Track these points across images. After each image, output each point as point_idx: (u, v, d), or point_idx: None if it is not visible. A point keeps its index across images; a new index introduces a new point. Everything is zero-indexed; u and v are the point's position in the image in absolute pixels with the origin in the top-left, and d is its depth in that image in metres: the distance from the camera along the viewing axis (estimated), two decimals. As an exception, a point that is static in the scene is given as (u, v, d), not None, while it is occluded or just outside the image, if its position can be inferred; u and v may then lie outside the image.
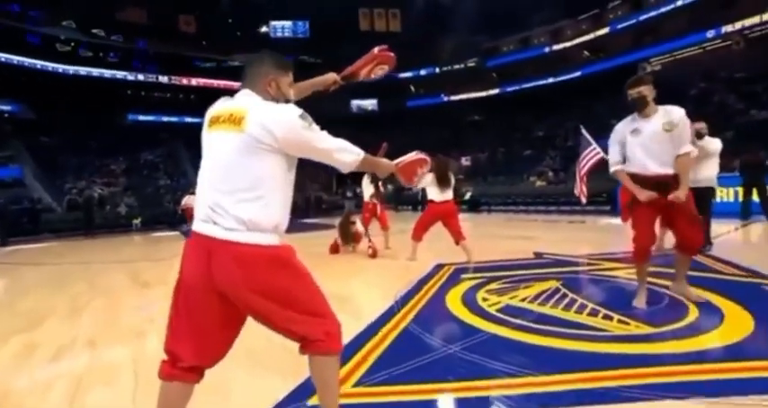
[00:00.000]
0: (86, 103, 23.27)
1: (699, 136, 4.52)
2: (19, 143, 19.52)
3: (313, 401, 1.65)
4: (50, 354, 2.41)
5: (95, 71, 24.62)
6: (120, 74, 25.38)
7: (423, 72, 29.21)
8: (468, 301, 2.96)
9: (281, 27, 30.31)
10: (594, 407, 1.53)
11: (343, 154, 1.34)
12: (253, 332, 1.41)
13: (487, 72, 26.87)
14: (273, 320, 1.24)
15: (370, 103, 30.54)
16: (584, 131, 7.72)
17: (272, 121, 1.21)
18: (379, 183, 5.87)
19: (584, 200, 7.77)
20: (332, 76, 1.91)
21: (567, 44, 23.18)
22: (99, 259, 7.18)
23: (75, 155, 20.73)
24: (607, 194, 10.11)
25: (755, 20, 16.43)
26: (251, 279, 1.20)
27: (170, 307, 1.28)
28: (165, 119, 26.52)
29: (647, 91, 2.55)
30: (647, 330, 2.26)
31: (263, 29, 30.16)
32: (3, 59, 21.42)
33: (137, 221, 14.80)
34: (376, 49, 1.97)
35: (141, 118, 25.85)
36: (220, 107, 1.32)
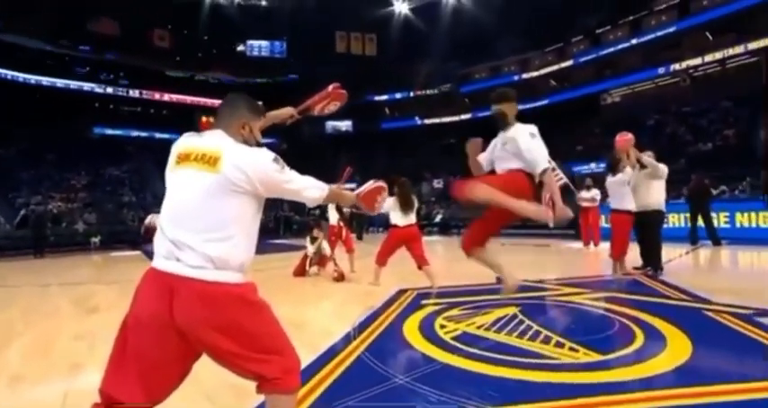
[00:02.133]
0: (49, 115, 22.34)
1: (643, 166, 4.78)
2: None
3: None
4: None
5: (60, 82, 23.79)
6: (87, 85, 24.63)
7: (398, 95, 29.88)
8: (426, 329, 2.94)
9: (258, 46, 30.44)
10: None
11: (311, 190, 1.40)
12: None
13: (460, 97, 27.77)
14: (231, 359, 1.23)
15: (345, 124, 30.81)
16: (548, 157, 8.04)
17: (248, 164, 1.25)
18: (343, 208, 5.85)
19: (551, 225, 8.03)
20: (289, 111, 1.97)
21: (535, 73, 24.37)
22: (44, 281, 6.72)
23: (32, 168, 19.72)
24: (573, 219, 10.49)
25: (698, 61, 17.94)
26: (214, 317, 1.19)
27: (114, 346, 1.23)
28: (135, 133, 25.80)
29: (507, 108, 2.51)
30: (595, 357, 2.30)
31: (240, 47, 30.22)
32: (-44, 67, 20.43)
33: (95, 239, 14.07)
34: (330, 87, 2.03)
35: (108, 131, 25.04)
36: (190, 144, 1.33)
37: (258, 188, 1.27)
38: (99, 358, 2.62)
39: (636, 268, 5.07)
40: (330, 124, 30.47)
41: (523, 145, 2.35)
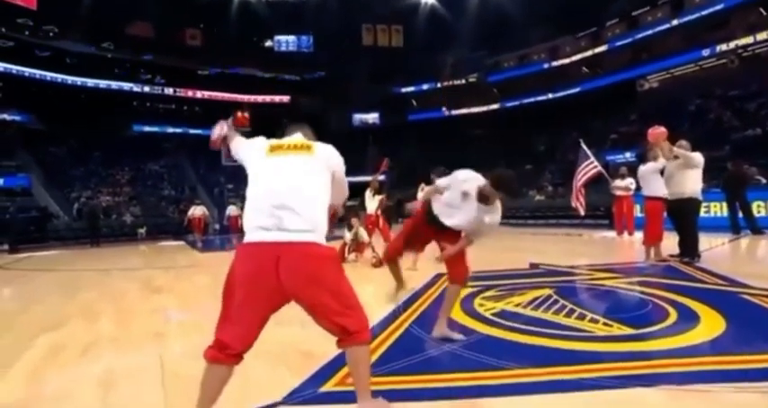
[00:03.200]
0: (93, 114, 23.73)
1: (676, 157, 4.74)
2: (27, 153, 19.90)
3: (326, 387, 1.86)
4: (78, 353, 2.60)
5: (102, 83, 25.15)
6: (126, 85, 25.92)
7: (424, 86, 29.75)
8: (466, 306, 3.16)
9: (285, 41, 30.95)
10: (570, 393, 1.74)
11: (347, 189, 1.81)
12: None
13: (488, 87, 27.38)
14: (325, 312, 1.48)
15: (371, 117, 31.01)
16: (583, 145, 7.97)
17: (332, 154, 1.67)
18: (383, 197, 6.11)
19: (582, 212, 8.00)
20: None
21: (566, 60, 23.71)
22: (106, 266, 7.39)
23: (82, 165, 21.11)
24: (605, 208, 10.32)
25: (749, 39, 16.90)
26: (318, 273, 1.45)
27: (224, 301, 1.47)
28: (170, 130, 26.97)
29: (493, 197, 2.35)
30: (627, 331, 2.46)
31: (268, 43, 30.84)
32: (14, 71, 21.96)
33: (141, 230, 15.04)
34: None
35: (146, 128, 26.28)
36: (278, 140, 1.68)
37: (334, 173, 1.65)
38: (175, 330, 3.01)
39: (672, 255, 5.07)
40: (357, 116, 30.75)
41: (487, 227, 2.39)
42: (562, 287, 3.68)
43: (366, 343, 1.54)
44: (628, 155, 16.07)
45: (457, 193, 2.40)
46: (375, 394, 1.62)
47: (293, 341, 2.47)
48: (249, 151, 1.67)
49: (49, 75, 23.17)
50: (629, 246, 7.12)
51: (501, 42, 26.06)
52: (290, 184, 1.52)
